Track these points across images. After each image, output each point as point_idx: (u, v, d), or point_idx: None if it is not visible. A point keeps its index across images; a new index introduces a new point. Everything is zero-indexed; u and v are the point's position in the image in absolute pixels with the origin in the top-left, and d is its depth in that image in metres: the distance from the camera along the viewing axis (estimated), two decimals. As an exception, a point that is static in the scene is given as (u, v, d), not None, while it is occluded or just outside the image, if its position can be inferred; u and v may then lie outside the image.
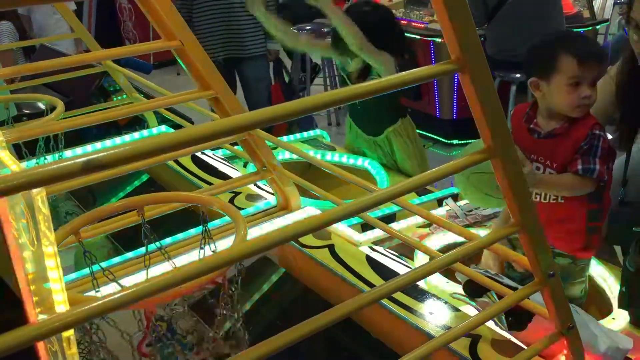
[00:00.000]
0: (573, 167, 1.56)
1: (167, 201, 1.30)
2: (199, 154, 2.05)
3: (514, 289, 1.10)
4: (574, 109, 1.56)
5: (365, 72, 2.52)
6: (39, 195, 0.62)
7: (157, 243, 1.23)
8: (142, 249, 1.33)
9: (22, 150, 1.73)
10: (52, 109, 1.74)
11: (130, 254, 1.40)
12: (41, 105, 1.93)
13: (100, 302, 0.54)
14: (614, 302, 1.66)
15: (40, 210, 0.63)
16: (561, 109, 1.58)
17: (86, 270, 1.17)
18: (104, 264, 1.40)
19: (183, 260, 1.37)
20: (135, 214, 1.21)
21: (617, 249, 2.08)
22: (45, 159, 1.72)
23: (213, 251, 1.18)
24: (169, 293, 0.96)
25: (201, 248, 1.19)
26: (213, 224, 1.52)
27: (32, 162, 1.75)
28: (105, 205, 1.21)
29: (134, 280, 1.31)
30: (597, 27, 4.69)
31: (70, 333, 0.68)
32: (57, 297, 0.67)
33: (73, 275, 1.33)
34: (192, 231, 1.50)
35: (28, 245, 0.69)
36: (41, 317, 0.71)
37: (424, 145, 2.84)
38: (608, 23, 4.89)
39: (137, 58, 3.80)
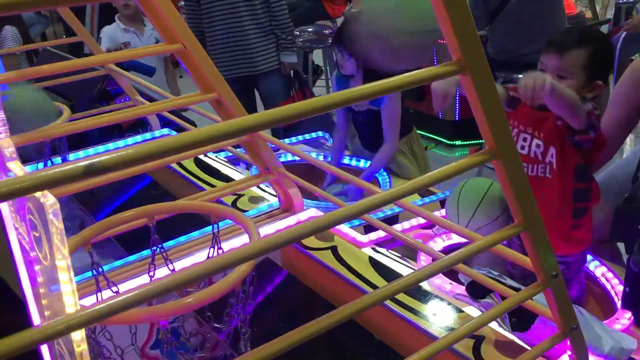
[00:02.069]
0: None
1: (178, 211, 1.29)
2: (201, 157, 2.05)
3: (517, 289, 1.10)
4: None
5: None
6: (52, 209, 0.62)
7: (165, 255, 1.23)
8: (147, 252, 1.34)
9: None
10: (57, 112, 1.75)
11: (132, 257, 1.40)
12: (44, 109, 1.92)
13: (105, 304, 0.54)
14: (618, 303, 1.66)
15: (53, 223, 0.62)
16: None
17: (89, 273, 1.17)
18: (107, 267, 1.40)
19: (184, 263, 1.37)
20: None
21: (622, 249, 2.08)
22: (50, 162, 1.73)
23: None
24: (191, 302, 0.96)
25: (209, 258, 1.20)
26: (222, 225, 1.52)
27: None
28: (115, 215, 1.20)
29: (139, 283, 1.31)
30: (600, 27, 4.69)
31: (83, 348, 0.67)
32: (70, 311, 0.67)
33: (77, 278, 1.33)
34: (196, 234, 1.50)
35: (41, 259, 0.69)
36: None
37: (426, 147, 2.84)
38: (610, 23, 4.88)
39: (140, 61, 3.80)
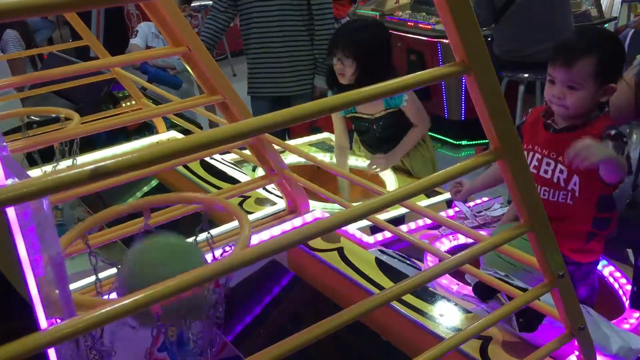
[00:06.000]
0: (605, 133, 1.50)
1: (169, 202, 1.30)
2: (207, 159, 2.06)
3: (524, 290, 1.10)
4: (550, 103, 1.58)
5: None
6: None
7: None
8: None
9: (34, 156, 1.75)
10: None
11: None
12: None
13: (109, 307, 0.54)
14: (626, 302, 1.65)
15: (43, 210, 0.63)
16: None
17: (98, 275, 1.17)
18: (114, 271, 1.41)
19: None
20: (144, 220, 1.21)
21: (628, 251, 2.08)
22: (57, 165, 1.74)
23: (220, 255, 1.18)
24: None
25: (212, 250, 1.20)
26: (224, 229, 1.52)
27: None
28: (111, 208, 1.20)
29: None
30: (605, 25, 4.67)
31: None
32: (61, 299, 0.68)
33: (86, 281, 1.33)
34: (202, 236, 1.50)
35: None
36: (49, 321, 0.71)
37: (433, 147, 2.85)
38: (616, 21, 4.87)
39: (166, 74, 3.85)
